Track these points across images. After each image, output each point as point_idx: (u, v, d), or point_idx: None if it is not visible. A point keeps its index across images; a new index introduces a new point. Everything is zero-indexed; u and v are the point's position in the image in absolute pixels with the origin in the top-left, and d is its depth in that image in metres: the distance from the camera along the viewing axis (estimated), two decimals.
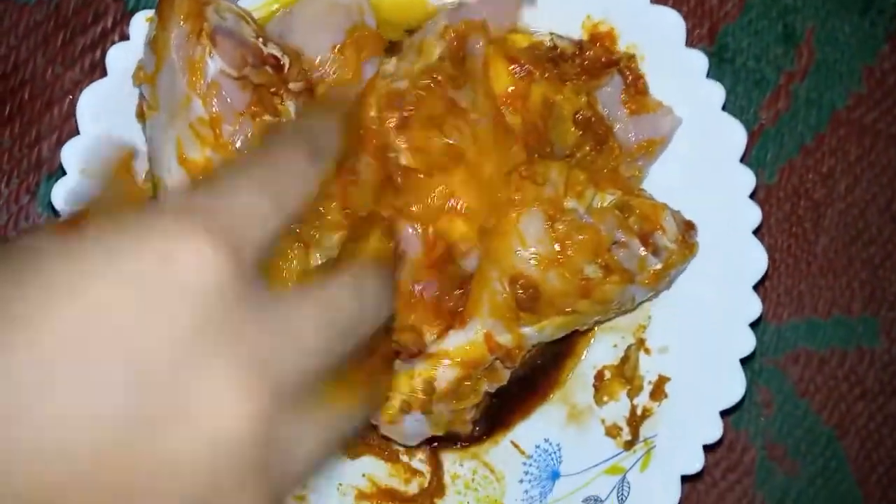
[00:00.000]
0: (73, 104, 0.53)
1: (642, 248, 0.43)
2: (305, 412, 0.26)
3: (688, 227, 0.45)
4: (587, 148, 0.45)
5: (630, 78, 0.45)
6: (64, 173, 0.44)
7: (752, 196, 0.47)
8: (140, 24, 0.44)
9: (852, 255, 0.58)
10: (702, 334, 0.47)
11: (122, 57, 0.44)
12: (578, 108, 0.45)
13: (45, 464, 0.22)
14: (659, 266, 0.43)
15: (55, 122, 0.53)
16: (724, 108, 0.48)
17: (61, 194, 0.44)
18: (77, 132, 0.44)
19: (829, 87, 0.57)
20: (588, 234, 0.43)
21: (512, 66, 0.43)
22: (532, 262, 0.42)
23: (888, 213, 0.58)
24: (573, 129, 0.45)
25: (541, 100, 0.44)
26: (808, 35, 0.57)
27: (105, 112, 0.44)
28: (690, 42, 0.55)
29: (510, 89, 0.44)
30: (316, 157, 0.29)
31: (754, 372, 0.55)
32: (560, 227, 0.42)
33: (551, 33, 0.46)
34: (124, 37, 0.53)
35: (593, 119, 0.45)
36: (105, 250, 0.24)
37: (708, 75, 0.47)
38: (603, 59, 0.45)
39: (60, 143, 0.53)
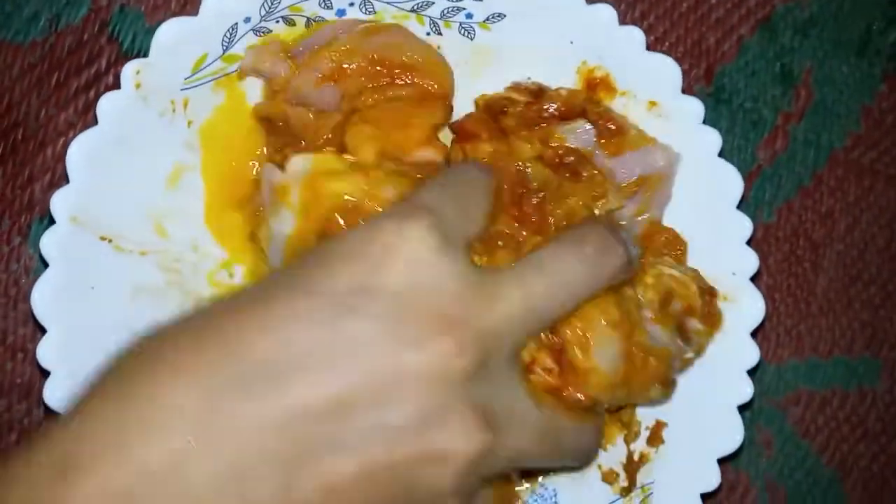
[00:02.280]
0: (66, 145, 0.52)
1: (679, 340, 0.42)
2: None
3: (711, 296, 0.44)
4: (565, 179, 0.45)
5: (601, 123, 0.45)
6: (53, 222, 0.44)
7: (750, 242, 0.47)
8: (130, 74, 0.44)
9: (852, 296, 0.57)
10: (699, 381, 0.46)
11: (113, 106, 0.43)
12: (536, 152, 0.45)
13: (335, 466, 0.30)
14: (691, 355, 0.43)
15: (48, 163, 0.53)
16: (721, 152, 0.47)
17: (50, 244, 0.43)
18: (67, 180, 0.44)
19: (826, 128, 0.57)
20: (660, 361, 0.41)
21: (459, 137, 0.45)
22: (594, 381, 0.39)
23: (888, 253, 0.57)
24: (543, 168, 0.45)
25: (492, 154, 0.44)
26: (806, 75, 0.56)
27: (95, 161, 0.44)
28: (687, 82, 0.55)
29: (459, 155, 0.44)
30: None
31: (754, 412, 0.55)
32: (636, 352, 0.40)
33: (513, 83, 0.46)
34: (118, 78, 0.53)
35: (560, 153, 0.45)
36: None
37: (705, 116, 0.47)
38: (565, 109, 0.45)
39: (53, 184, 0.53)
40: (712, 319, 0.44)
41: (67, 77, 0.53)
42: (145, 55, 0.53)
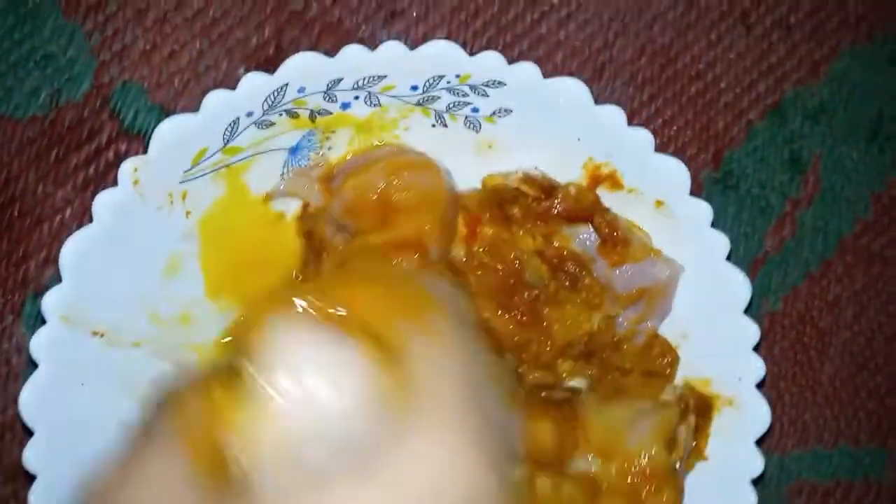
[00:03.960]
0: (62, 222, 0.52)
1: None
2: None
3: (703, 417, 0.44)
4: (561, 283, 0.45)
5: (607, 232, 0.44)
6: (44, 321, 0.43)
7: (757, 348, 0.46)
8: (128, 171, 0.43)
9: (858, 385, 0.56)
10: (703, 489, 0.45)
11: (110, 204, 0.43)
12: (538, 247, 0.44)
13: None
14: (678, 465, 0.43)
15: (44, 240, 0.52)
16: (729, 251, 0.47)
17: (40, 345, 0.42)
18: (59, 277, 0.43)
19: (835, 214, 0.56)
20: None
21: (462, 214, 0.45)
22: None
23: (895, 342, 0.57)
24: (542, 264, 0.45)
25: (491, 237, 0.44)
26: (815, 162, 0.56)
27: (89, 259, 0.43)
28: (695, 167, 0.54)
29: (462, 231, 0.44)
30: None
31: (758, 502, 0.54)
32: None
33: (525, 174, 0.46)
34: (118, 154, 0.52)
35: (564, 254, 0.45)
36: None
37: (713, 202, 0.46)
38: (571, 211, 0.44)
39: (49, 261, 0.52)
40: (703, 429, 0.45)
41: (67, 153, 0.52)
42: (146, 132, 0.53)
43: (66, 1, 0.52)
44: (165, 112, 0.52)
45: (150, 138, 0.44)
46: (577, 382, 0.44)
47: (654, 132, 0.47)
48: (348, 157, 0.46)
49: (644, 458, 0.42)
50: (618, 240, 0.44)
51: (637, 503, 0.42)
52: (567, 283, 0.44)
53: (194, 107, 0.44)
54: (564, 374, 0.43)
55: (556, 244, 0.45)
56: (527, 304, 0.43)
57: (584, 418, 0.42)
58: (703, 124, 0.55)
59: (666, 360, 0.45)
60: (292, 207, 0.48)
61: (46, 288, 0.44)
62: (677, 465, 0.43)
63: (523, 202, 0.45)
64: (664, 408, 0.44)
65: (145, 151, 0.44)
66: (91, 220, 0.43)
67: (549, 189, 0.45)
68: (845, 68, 0.55)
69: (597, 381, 0.45)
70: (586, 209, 0.44)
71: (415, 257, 0.42)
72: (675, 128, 0.55)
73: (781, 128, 0.55)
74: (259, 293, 0.44)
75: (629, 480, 0.42)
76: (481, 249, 0.45)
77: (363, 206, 0.44)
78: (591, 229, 0.44)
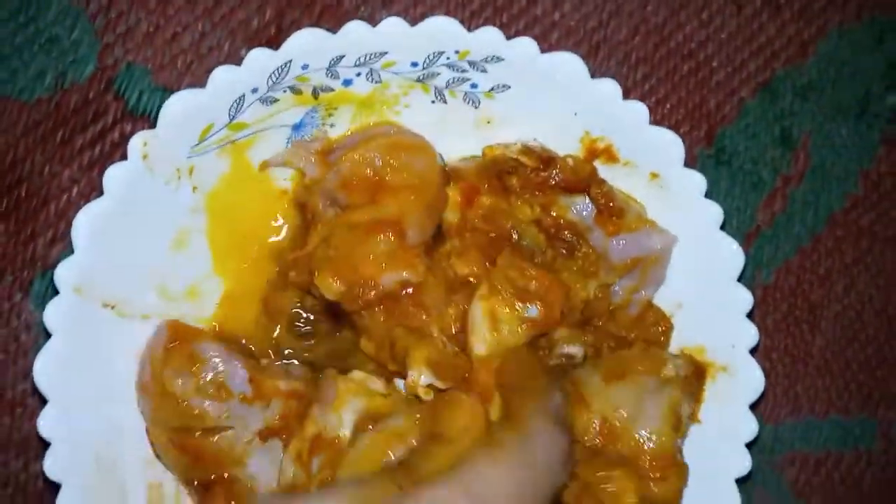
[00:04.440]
0: (69, 202, 0.53)
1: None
2: None
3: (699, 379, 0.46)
4: (558, 251, 0.46)
5: (603, 202, 0.45)
6: (56, 289, 0.44)
7: (750, 315, 0.47)
8: (138, 145, 0.44)
9: (849, 357, 0.58)
10: (698, 453, 0.46)
11: (120, 177, 0.44)
12: (535, 216, 0.45)
13: None
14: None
15: (51, 219, 0.53)
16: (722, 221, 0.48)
17: (54, 315, 0.43)
18: (70, 247, 0.44)
19: (825, 190, 0.57)
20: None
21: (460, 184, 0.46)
22: None
23: (884, 315, 0.58)
24: (539, 233, 0.46)
25: (489, 206, 0.45)
26: (805, 139, 0.57)
27: (101, 231, 0.44)
28: (689, 144, 0.55)
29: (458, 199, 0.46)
30: None
31: (751, 472, 0.55)
32: None
33: (524, 145, 0.47)
34: (123, 135, 0.53)
35: (561, 223, 0.45)
36: None
37: (706, 178, 0.47)
38: (569, 182, 0.45)
39: (56, 240, 0.53)
40: (698, 396, 0.46)
41: (72, 134, 0.53)
42: (151, 113, 0.54)
43: None
44: (169, 93, 0.52)
45: (154, 119, 0.45)
46: (574, 349, 0.45)
47: (649, 109, 0.48)
48: (349, 134, 0.47)
49: (651, 442, 0.44)
50: (613, 210, 0.45)
51: (644, 488, 0.43)
52: (563, 252, 0.45)
53: (198, 87, 0.45)
54: (560, 340, 0.44)
55: (553, 214, 0.45)
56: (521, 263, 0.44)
57: (589, 401, 0.44)
58: (695, 102, 0.56)
59: (660, 329, 0.46)
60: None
61: (54, 266, 0.45)
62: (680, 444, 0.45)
63: (522, 172, 0.46)
64: (668, 384, 0.45)
65: None
66: (99, 197, 0.44)
67: (547, 160, 0.46)
68: (834, 47, 0.57)
69: (594, 349, 0.46)
70: (583, 180, 0.45)
71: (392, 238, 0.43)
72: (668, 106, 0.56)
73: (772, 105, 0.57)
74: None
75: (638, 464, 0.44)
76: (476, 220, 0.46)
77: (358, 179, 0.45)
78: (588, 200, 0.45)
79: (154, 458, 0.46)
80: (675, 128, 0.56)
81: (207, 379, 0.44)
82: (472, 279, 0.44)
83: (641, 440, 0.44)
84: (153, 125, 0.45)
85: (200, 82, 0.46)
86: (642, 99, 0.55)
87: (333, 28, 0.46)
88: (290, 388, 0.45)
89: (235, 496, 0.44)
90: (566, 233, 0.45)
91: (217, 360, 0.44)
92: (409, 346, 0.43)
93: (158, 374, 0.44)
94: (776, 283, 0.57)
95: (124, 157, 0.44)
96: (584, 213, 0.45)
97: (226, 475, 0.44)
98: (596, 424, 0.44)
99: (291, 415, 0.44)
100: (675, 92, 0.56)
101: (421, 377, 0.42)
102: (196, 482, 0.44)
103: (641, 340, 0.46)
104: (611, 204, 0.45)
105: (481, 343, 0.42)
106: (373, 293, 0.43)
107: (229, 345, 0.46)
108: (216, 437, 0.43)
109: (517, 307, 0.42)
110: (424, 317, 0.43)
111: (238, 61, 0.45)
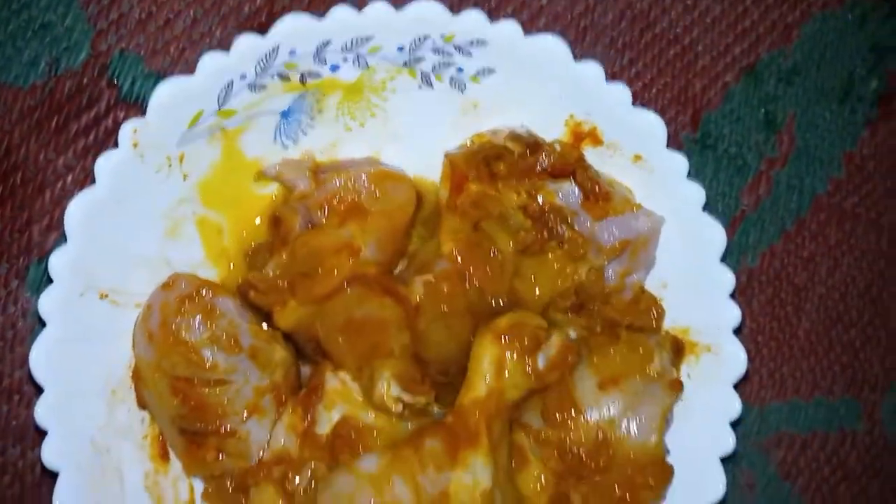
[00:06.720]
0: (64, 189, 0.53)
1: None
2: None
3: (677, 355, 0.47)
4: (540, 236, 0.47)
5: (589, 187, 0.46)
6: (50, 282, 0.44)
7: (733, 295, 0.48)
8: (128, 133, 0.45)
9: (833, 338, 0.58)
10: (683, 432, 0.47)
11: (111, 165, 0.44)
12: (522, 202, 0.46)
13: None
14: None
15: (46, 206, 0.53)
16: (706, 202, 0.48)
17: (48, 304, 0.44)
18: (64, 235, 0.45)
19: (809, 173, 0.58)
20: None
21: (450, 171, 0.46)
22: None
23: (868, 297, 0.58)
24: (526, 218, 0.46)
25: (477, 193, 0.46)
26: (789, 122, 0.58)
27: (93, 220, 0.44)
28: (673, 129, 0.56)
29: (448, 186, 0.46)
30: None
31: (738, 455, 0.56)
32: None
33: (511, 131, 0.47)
34: (117, 121, 0.54)
35: (546, 209, 0.46)
36: None
37: (690, 162, 0.48)
38: (555, 168, 0.46)
39: (51, 227, 0.53)
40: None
41: (67, 121, 0.53)
42: (144, 99, 0.54)
43: None
44: (162, 79, 0.53)
45: (147, 105, 0.46)
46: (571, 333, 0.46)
47: (634, 94, 0.49)
48: (338, 161, 0.49)
49: (642, 450, 0.45)
50: (600, 194, 0.46)
51: (629, 490, 0.44)
52: (549, 236, 0.45)
53: (190, 73, 0.46)
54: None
55: (540, 199, 0.46)
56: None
57: (580, 406, 0.45)
58: (681, 87, 0.57)
59: (653, 314, 0.47)
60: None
61: (50, 253, 0.46)
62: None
63: (509, 158, 0.47)
64: (660, 389, 0.46)
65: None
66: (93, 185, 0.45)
67: (534, 145, 0.46)
68: (817, 31, 0.57)
69: (589, 332, 0.47)
70: (570, 165, 0.46)
71: (349, 262, 0.45)
72: (654, 90, 0.57)
73: (756, 89, 0.57)
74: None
75: (626, 471, 0.44)
76: (465, 206, 0.47)
77: (340, 199, 0.46)
78: (574, 186, 0.46)
79: (149, 441, 0.47)
80: (660, 112, 0.56)
81: (222, 330, 0.44)
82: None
83: (632, 451, 0.45)
84: (146, 112, 0.46)
85: (192, 69, 0.47)
86: (628, 84, 0.56)
87: (322, 14, 0.47)
88: (287, 357, 0.46)
89: (226, 450, 0.45)
90: (552, 217, 0.45)
91: (233, 313, 0.45)
92: (374, 363, 0.45)
93: (170, 323, 0.44)
94: (761, 267, 0.57)
95: (117, 144, 0.45)
96: (571, 197, 0.46)
97: (223, 429, 0.44)
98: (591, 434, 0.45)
99: (287, 383, 0.45)
100: (660, 76, 0.57)
101: (391, 388, 0.43)
102: (188, 431, 0.45)
103: (627, 327, 0.47)
104: (597, 188, 0.45)
105: (482, 385, 0.44)
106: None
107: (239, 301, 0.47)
108: (218, 390, 0.44)
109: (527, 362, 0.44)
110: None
111: (229, 47, 0.46)
